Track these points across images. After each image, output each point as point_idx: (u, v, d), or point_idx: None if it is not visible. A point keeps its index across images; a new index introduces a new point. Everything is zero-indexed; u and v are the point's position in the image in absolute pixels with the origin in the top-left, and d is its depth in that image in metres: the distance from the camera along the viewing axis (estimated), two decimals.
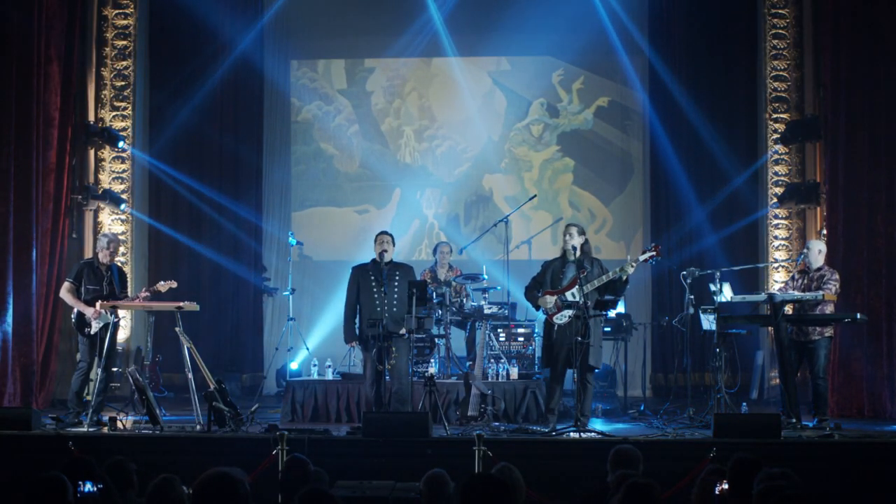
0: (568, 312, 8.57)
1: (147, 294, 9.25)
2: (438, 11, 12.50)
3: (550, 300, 8.66)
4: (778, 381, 10.14)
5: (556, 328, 8.67)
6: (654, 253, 8.66)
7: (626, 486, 4.26)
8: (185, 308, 9.20)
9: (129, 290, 9.75)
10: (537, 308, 8.93)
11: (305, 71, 13.34)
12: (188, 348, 8.95)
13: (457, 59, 12.95)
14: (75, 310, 9.05)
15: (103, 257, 9.19)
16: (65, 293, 9.13)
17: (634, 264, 8.58)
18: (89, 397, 9.11)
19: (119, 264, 9.61)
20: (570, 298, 8.60)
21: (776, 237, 11.59)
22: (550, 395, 8.86)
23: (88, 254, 11.41)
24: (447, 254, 10.72)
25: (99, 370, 8.96)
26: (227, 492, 3.70)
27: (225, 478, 3.72)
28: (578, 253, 8.76)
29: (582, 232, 8.88)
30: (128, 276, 11.84)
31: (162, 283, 9.25)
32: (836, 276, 8.96)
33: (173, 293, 9.34)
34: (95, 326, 8.97)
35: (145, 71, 12.47)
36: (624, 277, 8.62)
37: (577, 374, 8.40)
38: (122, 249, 11.97)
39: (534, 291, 8.85)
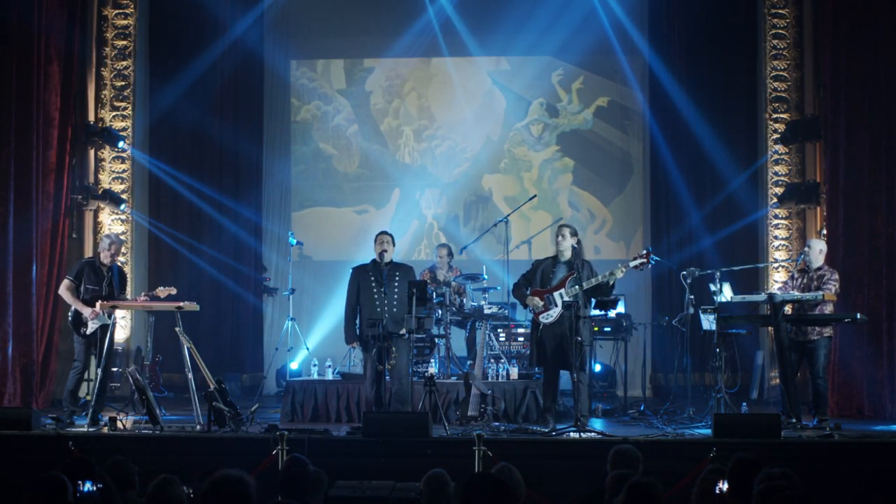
0: (554, 312, 8.64)
1: (146, 298, 9.30)
2: (438, 12, 12.49)
3: (538, 300, 8.72)
4: (778, 381, 10.14)
5: (541, 327, 8.73)
6: (643, 260, 8.70)
7: (628, 487, 4.26)
8: (185, 308, 9.22)
9: (128, 291, 9.73)
10: (525, 306, 9.03)
11: (305, 71, 13.33)
12: (188, 348, 8.96)
13: (456, 59, 12.96)
14: (72, 308, 9.08)
15: (105, 258, 9.21)
16: (64, 291, 9.15)
17: (624, 270, 8.67)
18: (89, 397, 9.12)
19: (120, 265, 9.61)
20: (558, 299, 8.65)
21: (776, 237, 11.59)
22: (545, 395, 8.93)
23: (88, 253, 11.42)
24: (445, 257, 10.72)
25: (99, 370, 8.97)
26: (237, 495, 3.69)
27: (236, 481, 3.71)
28: (570, 254, 8.83)
29: (575, 233, 8.96)
30: (128, 276, 11.89)
31: (161, 288, 9.29)
32: (836, 276, 8.96)
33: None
34: (92, 326, 9.00)
35: (145, 71, 12.47)
36: (612, 282, 8.68)
37: (576, 374, 8.43)
38: (122, 249, 11.98)
39: (522, 289, 8.95)
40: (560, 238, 8.91)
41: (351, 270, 9.04)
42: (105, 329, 9.07)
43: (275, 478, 6.03)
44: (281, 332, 11.43)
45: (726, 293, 8.98)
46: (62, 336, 10.70)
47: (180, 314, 9.18)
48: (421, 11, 12.54)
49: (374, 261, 8.89)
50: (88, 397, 9.17)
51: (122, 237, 11.98)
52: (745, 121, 12.16)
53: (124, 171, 12.16)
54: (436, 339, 10.00)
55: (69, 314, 9.19)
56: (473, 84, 13.11)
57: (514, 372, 9.68)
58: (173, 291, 9.29)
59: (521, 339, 10.49)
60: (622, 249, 12.65)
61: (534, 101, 13.10)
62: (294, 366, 11.25)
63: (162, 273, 12.41)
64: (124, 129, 12.09)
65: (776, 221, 11.61)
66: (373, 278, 8.78)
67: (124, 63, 12.17)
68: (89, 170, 11.96)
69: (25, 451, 7.91)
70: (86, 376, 9.48)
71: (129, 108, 12.17)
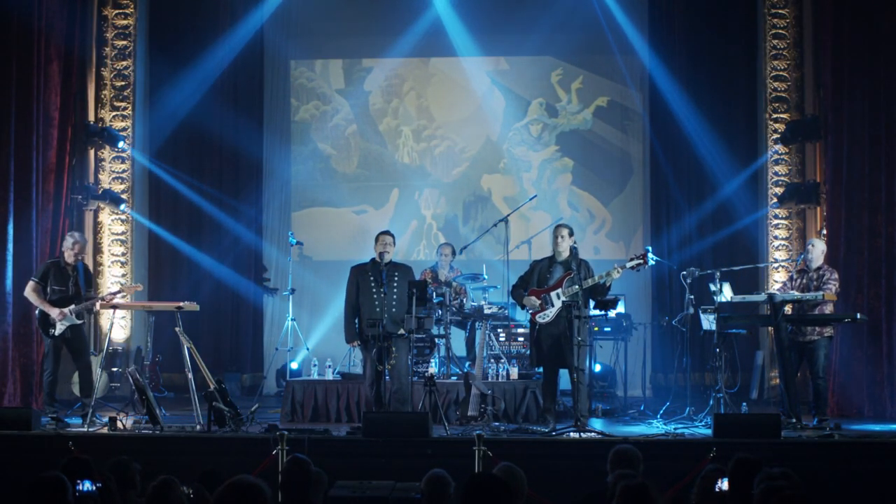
0: (551, 311, 8.66)
1: (113, 297, 9.42)
2: (437, 11, 12.48)
3: (535, 300, 8.74)
4: (778, 381, 10.16)
5: (537, 327, 8.75)
6: (640, 261, 8.70)
7: (621, 489, 4.26)
8: (185, 308, 9.24)
9: (94, 289, 9.73)
10: (522, 307, 9.05)
11: (303, 71, 13.31)
12: (188, 348, 8.96)
13: (455, 59, 12.92)
14: (38, 310, 9.09)
15: (69, 257, 9.24)
16: (29, 292, 9.17)
17: (620, 270, 8.68)
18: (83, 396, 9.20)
19: (84, 263, 9.60)
20: (555, 298, 8.67)
21: (776, 237, 11.59)
22: (545, 395, 8.94)
23: (88, 254, 11.43)
24: (448, 255, 10.71)
25: (100, 369, 8.99)
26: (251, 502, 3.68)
27: (251, 487, 3.70)
28: (567, 254, 8.84)
29: (572, 233, 8.98)
30: (127, 275, 11.90)
31: (127, 285, 9.36)
32: (836, 276, 8.99)
33: (173, 293, 9.38)
34: (60, 328, 9.04)
35: (145, 71, 12.46)
36: (608, 283, 8.69)
37: (576, 374, 8.44)
38: (122, 249, 11.99)
39: (519, 290, 8.99)
40: (560, 239, 8.91)
41: (350, 270, 9.03)
42: (75, 329, 9.10)
43: (275, 478, 6.04)
44: (281, 332, 11.43)
45: (726, 293, 8.99)
46: None
47: (180, 314, 9.19)
48: (420, 11, 12.52)
49: (373, 260, 8.88)
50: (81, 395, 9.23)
51: (122, 237, 12.02)
52: (745, 121, 12.17)
53: (124, 171, 12.15)
54: (436, 339, 10.00)
55: (36, 315, 9.21)
56: (472, 84, 13.08)
57: (514, 372, 9.68)
58: (139, 287, 9.49)
59: (521, 339, 10.48)
60: (622, 249, 12.63)
61: (533, 101, 13.08)
62: (294, 366, 11.25)
63: (162, 273, 12.44)
64: (124, 129, 12.09)
65: (776, 221, 11.60)
66: (372, 278, 8.77)
67: (124, 63, 12.17)
68: (89, 170, 11.96)
69: (25, 451, 7.92)
70: (77, 377, 9.52)
71: (129, 108, 12.16)
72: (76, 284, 9.21)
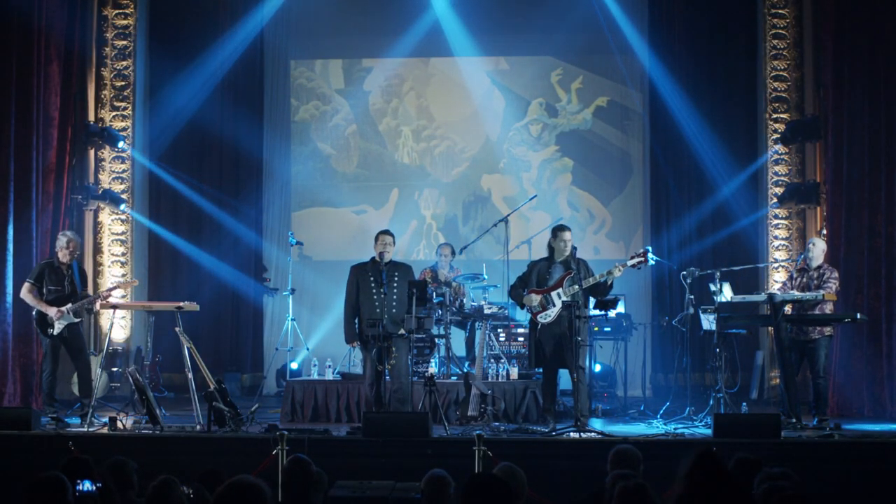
0: (552, 311, 8.66)
1: (109, 293, 9.48)
2: (436, 12, 12.48)
3: (535, 299, 8.74)
4: (778, 381, 10.16)
5: (539, 327, 8.76)
6: (641, 259, 8.70)
7: (618, 490, 4.26)
8: (185, 308, 9.25)
9: (89, 287, 9.74)
10: (522, 307, 9.05)
11: (303, 71, 13.31)
12: (188, 348, 8.96)
13: (455, 59, 12.92)
14: (35, 310, 9.10)
15: (63, 256, 9.25)
16: (25, 294, 9.18)
17: (621, 269, 8.68)
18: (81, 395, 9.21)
19: (78, 261, 9.63)
20: (556, 298, 8.67)
21: (776, 237, 11.58)
22: (545, 395, 8.94)
23: (88, 254, 11.44)
24: (448, 255, 10.71)
25: (100, 369, 8.99)
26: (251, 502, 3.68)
27: (251, 487, 3.70)
28: (567, 254, 8.84)
29: (571, 234, 9.01)
30: (126, 275, 11.89)
31: (123, 281, 9.37)
32: (836, 275, 9.00)
33: (173, 293, 9.38)
34: (58, 327, 9.05)
35: (145, 71, 12.46)
36: (609, 282, 8.69)
37: (576, 374, 8.43)
38: (122, 249, 11.99)
39: (519, 290, 8.99)
40: (564, 242, 8.90)
41: (350, 269, 9.02)
42: (73, 328, 9.11)
43: (275, 478, 6.04)
44: (281, 332, 11.44)
45: (726, 293, 8.99)
46: None
47: (180, 314, 9.19)
48: (419, 11, 12.52)
49: (373, 259, 8.87)
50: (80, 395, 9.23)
51: (123, 237, 12.01)
52: (745, 121, 12.17)
53: (124, 171, 12.15)
54: (436, 339, 10.00)
55: (33, 316, 9.21)
56: (472, 84, 13.08)
57: (514, 372, 9.68)
58: (135, 283, 9.64)
59: (521, 339, 10.49)
60: (622, 249, 12.63)
61: (533, 101, 13.08)
62: (294, 366, 11.25)
63: (162, 273, 12.45)
64: (124, 129, 12.08)
65: (776, 221, 11.60)
66: (372, 278, 8.76)
67: (124, 63, 12.16)
68: (89, 170, 11.95)
69: (25, 451, 7.92)
70: (73, 378, 9.54)
71: (129, 108, 12.16)
72: (72, 283, 9.22)
